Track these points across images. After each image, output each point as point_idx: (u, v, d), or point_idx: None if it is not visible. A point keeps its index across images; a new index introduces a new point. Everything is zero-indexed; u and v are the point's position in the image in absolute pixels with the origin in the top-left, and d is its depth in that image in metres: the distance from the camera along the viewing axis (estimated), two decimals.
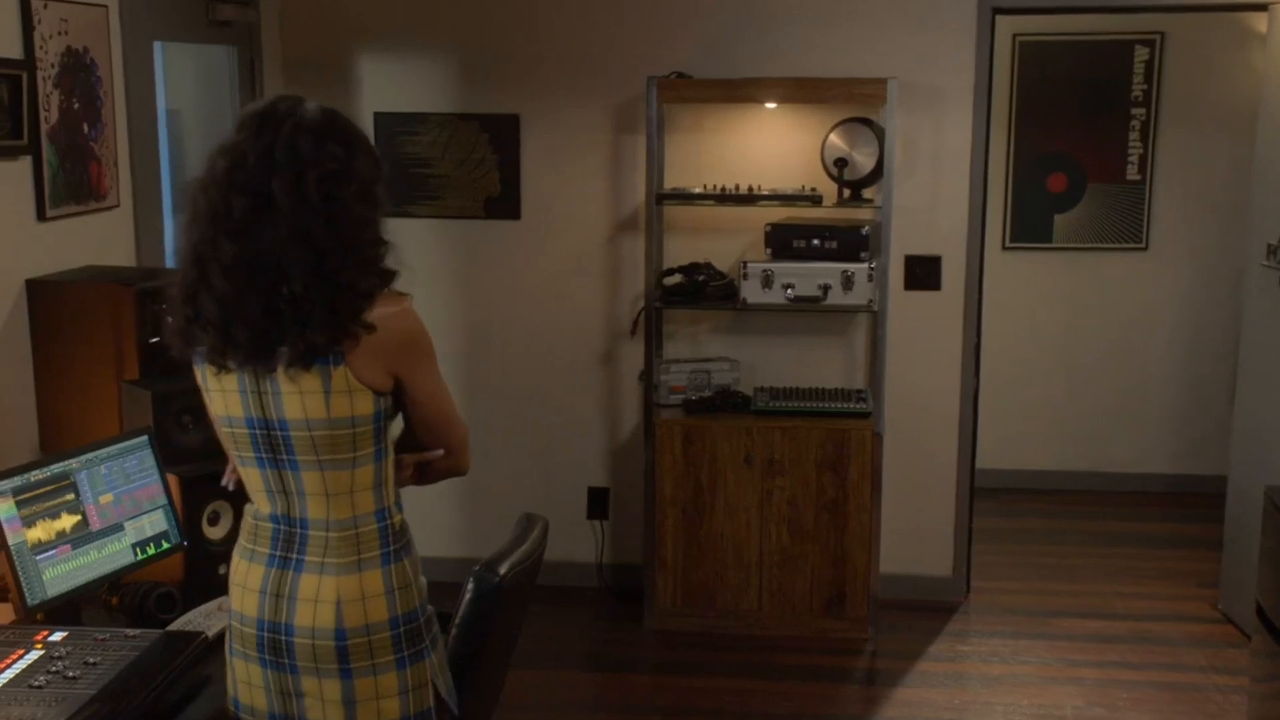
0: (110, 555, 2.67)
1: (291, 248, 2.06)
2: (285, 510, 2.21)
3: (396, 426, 2.27)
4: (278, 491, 2.21)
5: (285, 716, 2.25)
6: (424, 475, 2.33)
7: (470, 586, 2.45)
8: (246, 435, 2.18)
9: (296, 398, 2.11)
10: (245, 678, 2.27)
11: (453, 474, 2.35)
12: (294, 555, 2.20)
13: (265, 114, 2.12)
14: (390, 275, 2.18)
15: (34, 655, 2.31)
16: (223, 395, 2.18)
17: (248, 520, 2.28)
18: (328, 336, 2.07)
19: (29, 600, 2.48)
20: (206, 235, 2.09)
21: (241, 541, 2.28)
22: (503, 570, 2.48)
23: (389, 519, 2.23)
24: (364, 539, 2.20)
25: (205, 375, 2.20)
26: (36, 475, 2.56)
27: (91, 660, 2.28)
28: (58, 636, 2.39)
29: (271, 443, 2.17)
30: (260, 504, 2.25)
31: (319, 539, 2.19)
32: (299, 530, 2.20)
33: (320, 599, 2.17)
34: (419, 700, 2.26)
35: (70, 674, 2.23)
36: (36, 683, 2.20)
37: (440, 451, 2.29)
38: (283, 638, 2.20)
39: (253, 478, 2.23)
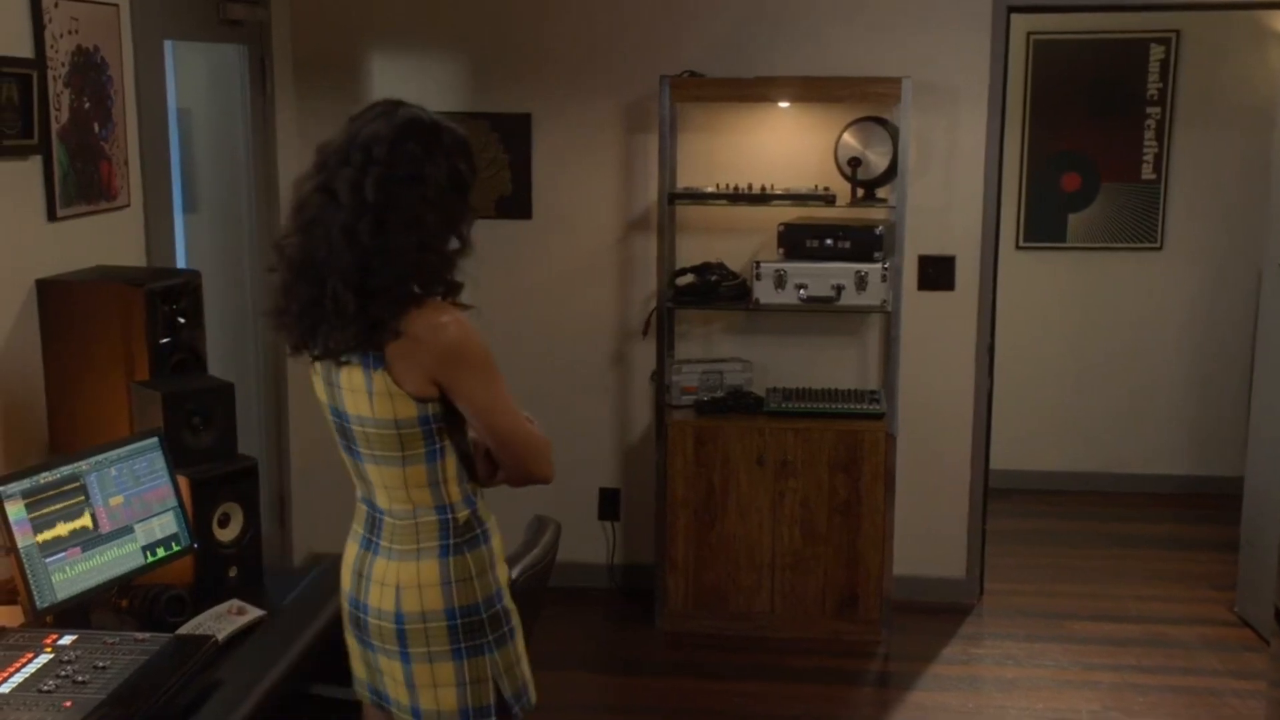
0: (120, 558, 2.65)
1: (338, 246, 2.11)
2: (368, 495, 2.33)
3: None
4: (358, 477, 2.33)
5: (374, 689, 2.38)
6: (496, 478, 2.36)
7: None
8: (333, 422, 2.30)
9: (349, 394, 2.20)
10: (351, 649, 2.40)
11: (528, 481, 2.36)
12: (375, 538, 2.31)
13: (358, 115, 2.20)
14: (450, 285, 2.21)
15: (43, 659, 2.30)
16: (317, 381, 2.30)
17: (356, 503, 2.39)
18: (354, 336, 2.12)
19: (38, 603, 2.47)
20: (287, 228, 2.20)
21: (352, 523, 2.39)
22: (514, 574, 2.48)
23: (451, 514, 2.28)
24: (423, 530, 2.27)
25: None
26: (46, 477, 2.55)
27: (101, 664, 2.27)
28: (67, 640, 2.38)
29: (345, 432, 2.28)
30: (358, 488, 2.36)
31: (390, 525, 2.29)
32: (378, 515, 2.31)
33: (385, 581, 2.27)
34: (478, 695, 2.29)
35: (79, 678, 2.22)
36: (46, 686, 2.19)
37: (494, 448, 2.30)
38: (362, 615, 2.32)
39: (347, 462, 2.35)
